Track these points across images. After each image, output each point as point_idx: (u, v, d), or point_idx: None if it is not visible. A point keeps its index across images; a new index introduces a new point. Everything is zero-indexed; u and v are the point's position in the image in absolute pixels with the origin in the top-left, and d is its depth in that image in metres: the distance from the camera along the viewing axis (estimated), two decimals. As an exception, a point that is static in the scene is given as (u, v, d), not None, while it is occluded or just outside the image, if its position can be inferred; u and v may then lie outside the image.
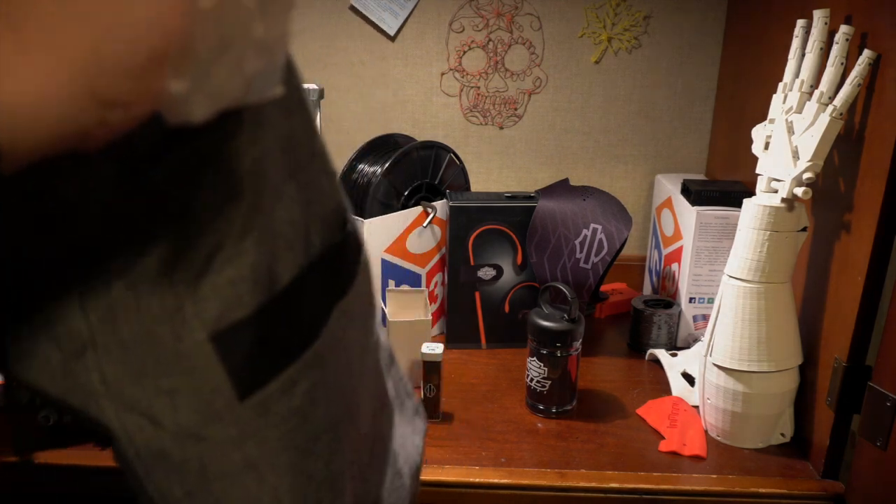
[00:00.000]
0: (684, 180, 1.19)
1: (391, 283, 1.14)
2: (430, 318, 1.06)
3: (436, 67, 1.37)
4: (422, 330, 1.04)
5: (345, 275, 0.37)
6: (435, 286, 1.23)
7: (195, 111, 0.26)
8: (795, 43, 0.89)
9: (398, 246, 1.13)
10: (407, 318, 1.06)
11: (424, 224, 1.15)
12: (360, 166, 1.15)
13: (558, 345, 0.97)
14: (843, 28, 0.81)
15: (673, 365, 1.10)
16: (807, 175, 0.82)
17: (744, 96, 1.21)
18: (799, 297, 0.93)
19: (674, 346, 1.18)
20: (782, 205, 0.85)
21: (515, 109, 1.39)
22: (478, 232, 1.15)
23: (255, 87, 0.28)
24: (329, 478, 0.36)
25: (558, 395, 0.99)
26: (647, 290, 1.40)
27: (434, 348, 0.96)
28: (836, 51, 0.82)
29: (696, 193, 1.13)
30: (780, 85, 0.90)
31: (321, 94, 1.07)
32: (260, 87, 0.28)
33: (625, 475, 0.86)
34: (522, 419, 0.99)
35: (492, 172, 1.44)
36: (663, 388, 1.07)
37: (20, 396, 0.98)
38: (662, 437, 0.94)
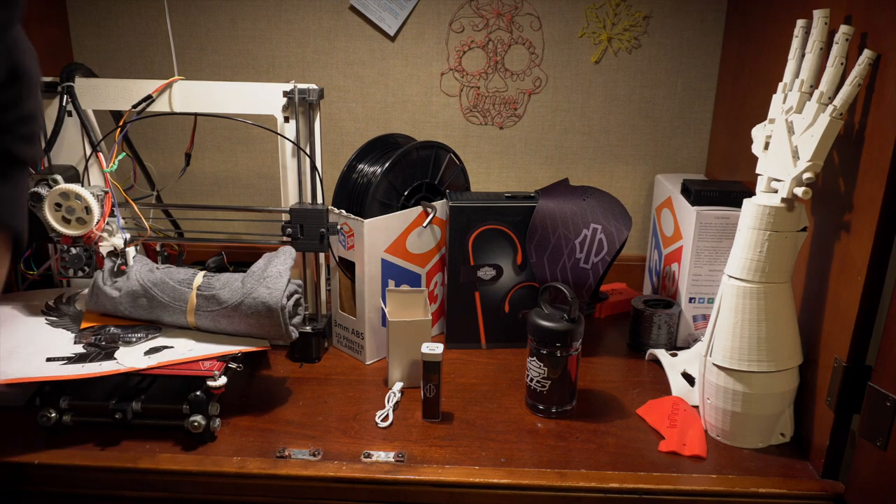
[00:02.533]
0: (684, 180, 1.19)
1: (391, 283, 1.14)
2: (430, 318, 1.06)
3: (436, 67, 1.38)
4: (422, 330, 1.04)
5: None
6: (435, 286, 1.23)
7: None
8: (795, 43, 0.89)
9: (398, 246, 1.13)
10: (407, 318, 1.06)
11: (424, 224, 1.15)
12: (360, 166, 1.15)
13: (558, 345, 0.97)
14: (843, 28, 0.81)
15: (673, 365, 1.10)
16: (807, 175, 0.82)
17: (744, 96, 1.21)
18: (799, 297, 0.93)
19: (674, 346, 1.18)
20: (782, 205, 0.85)
21: (515, 109, 1.39)
22: (478, 232, 1.15)
23: None
24: None
25: (558, 395, 0.99)
26: (647, 290, 1.40)
27: (434, 348, 0.96)
28: (836, 51, 0.82)
29: (696, 193, 1.13)
30: (780, 85, 0.90)
31: (321, 94, 1.07)
32: None
33: (625, 475, 0.86)
34: (522, 419, 0.99)
35: (492, 172, 1.44)
36: (663, 388, 1.07)
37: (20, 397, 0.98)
38: (662, 437, 0.94)
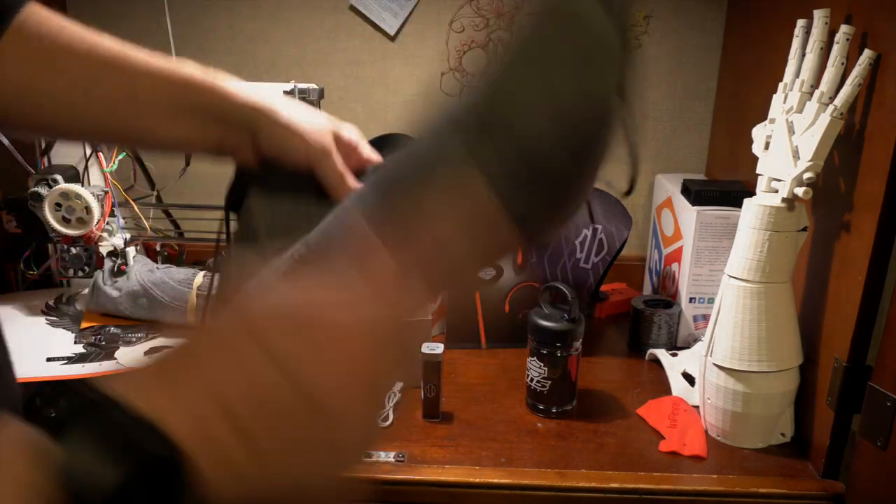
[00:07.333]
0: (684, 180, 1.19)
1: (391, 283, 1.14)
2: (430, 318, 1.06)
3: (436, 67, 1.37)
4: (422, 330, 1.04)
5: None
6: (435, 286, 1.22)
7: None
8: (796, 43, 0.89)
9: (398, 246, 1.13)
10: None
11: (424, 224, 1.15)
12: (360, 166, 1.15)
13: (558, 345, 0.97)
14: (844, 28, 0.81)
15: (673, 365, 1.10)
16: (807, 175, 0.82)
17: (744, 96, 1.21)
18: (799, 297, 0.93)
19: (674, 346, 1.18)
20: (782, 205, 0.85)
21: (515, 109, 1.39)
22: (478, 232, 1.14)
23: None
24: None
25: (558, 394, 0.99)
26: (647, 290, 1.40)
27: (434, 348, 0.96)
28: (836, 51, 0.82)
29: (696, 193, 1.13)
30: (781, 85, 0.90)
31: (321, 94, 1.07)
32: None
33: (625, 475, 0.86)
34: (522, 419, 0.99)
35: (492, 172, 1.44)
36: (663, 388, 1.07)
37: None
38: (662, 437, 0.94)
